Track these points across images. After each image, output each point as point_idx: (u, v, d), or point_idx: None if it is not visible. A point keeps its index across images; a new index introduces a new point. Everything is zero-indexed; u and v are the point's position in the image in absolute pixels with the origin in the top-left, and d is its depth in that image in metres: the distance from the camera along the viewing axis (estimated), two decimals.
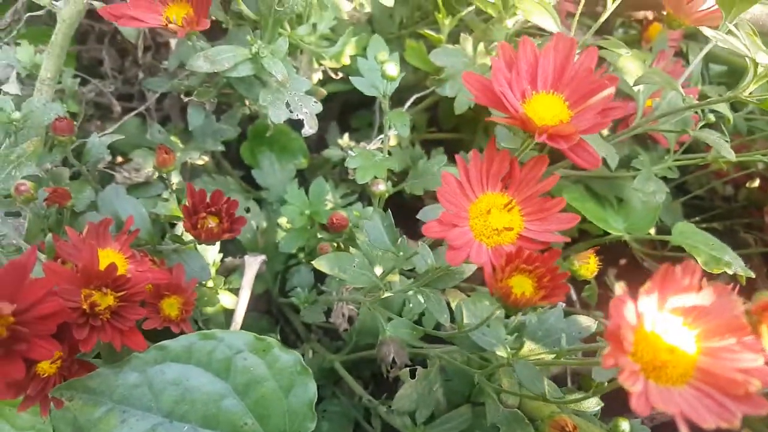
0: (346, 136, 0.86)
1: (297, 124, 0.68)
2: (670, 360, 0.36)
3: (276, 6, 0.60)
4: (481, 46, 0.75)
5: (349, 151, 0.66)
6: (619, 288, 0.36)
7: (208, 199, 0.54)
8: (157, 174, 0.73)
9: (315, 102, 0.65)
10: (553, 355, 0.53)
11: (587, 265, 0.59)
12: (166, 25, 0.56)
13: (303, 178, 0.93)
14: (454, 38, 0.82)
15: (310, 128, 0.64)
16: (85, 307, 0.47)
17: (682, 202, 0.94)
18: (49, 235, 0.53)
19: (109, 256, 0.58)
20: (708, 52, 0.86)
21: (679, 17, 0.74)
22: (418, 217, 0.55)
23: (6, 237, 0.54)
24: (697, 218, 1.01)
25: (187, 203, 0.53)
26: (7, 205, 0.59)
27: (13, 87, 0.72)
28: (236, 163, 0.95)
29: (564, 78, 0.44)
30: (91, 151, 0.65)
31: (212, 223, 0.54)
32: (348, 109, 1.07)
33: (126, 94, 0.86)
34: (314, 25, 0.70)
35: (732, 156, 0.63)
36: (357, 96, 0.96)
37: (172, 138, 0.80)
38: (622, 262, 1.05)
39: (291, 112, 0.64)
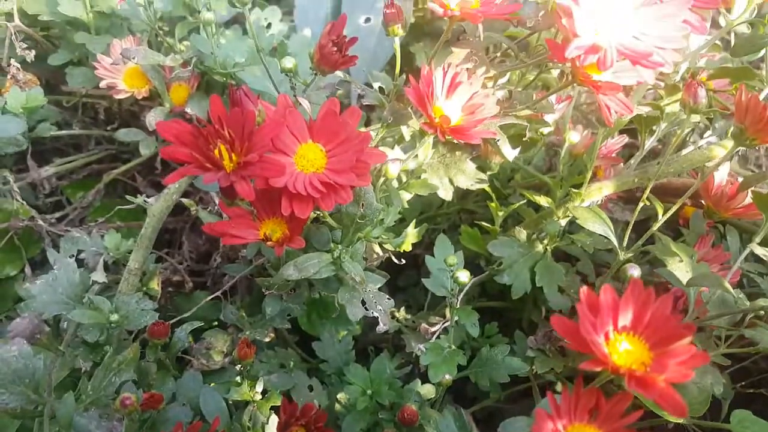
0: (402, 309, 0.90)
1: None
2: None
3: (358, 219, 0.66)
4: (534, 235, 0.81)
5: (420, 347, 0.70)
6: None
7: (298, 411, 0.57)
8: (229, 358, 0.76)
9: (388, 298, 0.70)
10: None
11: None
12: (264, 240, 0.62)
13: (354, 341, 0.96)
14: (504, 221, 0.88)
15: (384, 325, 0.68)
16: None
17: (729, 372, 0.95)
18: None
19: None
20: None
21: (719, 211, 0.80)
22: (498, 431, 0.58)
23: None
24: (743, 382, 1.02)
25: (280, 418, 0.56)
26: (102, 407, 0.62)
27: (100, 275, 0.78)
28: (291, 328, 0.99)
29: (642, 322, 0.48)
30: (177, 344, 0.69)
31: None
32: (395, 268, 1.13)
33: (197, 270, 0.92)
34: (381, 221, 0.76)
35: None
36: (405, 256, 1.00)
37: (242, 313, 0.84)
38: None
39: (366, 309, 0.68)
